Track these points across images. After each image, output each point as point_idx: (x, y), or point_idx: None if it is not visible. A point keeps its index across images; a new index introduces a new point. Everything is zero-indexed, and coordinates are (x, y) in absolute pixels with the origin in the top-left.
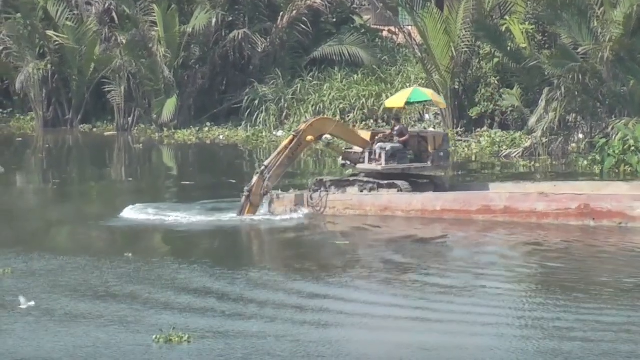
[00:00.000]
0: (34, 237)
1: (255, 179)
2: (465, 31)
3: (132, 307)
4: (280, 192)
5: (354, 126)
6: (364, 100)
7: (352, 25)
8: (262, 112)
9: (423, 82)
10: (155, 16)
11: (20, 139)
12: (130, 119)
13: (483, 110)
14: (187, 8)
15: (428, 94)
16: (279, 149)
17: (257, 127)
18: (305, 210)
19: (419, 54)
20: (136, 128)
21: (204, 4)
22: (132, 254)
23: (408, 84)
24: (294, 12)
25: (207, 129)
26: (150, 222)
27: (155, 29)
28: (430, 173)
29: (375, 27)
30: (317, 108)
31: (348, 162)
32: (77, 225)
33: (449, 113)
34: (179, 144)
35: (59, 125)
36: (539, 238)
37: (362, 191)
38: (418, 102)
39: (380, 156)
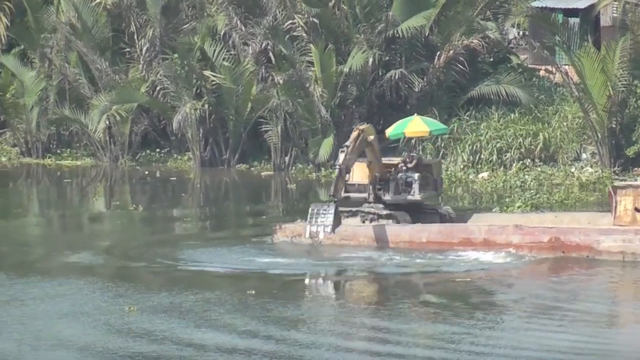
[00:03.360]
0: (163, 275)
1: (340, 156)
2: (623, 70)
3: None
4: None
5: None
6: (520, 139)
7: (509, 65)
8: (418, 151)
9: (580, 120)
10: (311, 56)
11: (174, 179)
12: (287, 159)
13: None
14: (343, 48)
15: (409, 127)
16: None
17: None
18: (305, 240)
19: (576, 93)
20: (293, 168)
21: (361, 44)
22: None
23: (565, 123)
24: (451, 51)
25: None
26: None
27: (312, 68)
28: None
29: (532, 66)
30: (474, 147)
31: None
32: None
33: (606, 152)
34: None
35: (215, 165)
36: None
37: (364, 222)
38: (440, 134)
39: (410, 186)
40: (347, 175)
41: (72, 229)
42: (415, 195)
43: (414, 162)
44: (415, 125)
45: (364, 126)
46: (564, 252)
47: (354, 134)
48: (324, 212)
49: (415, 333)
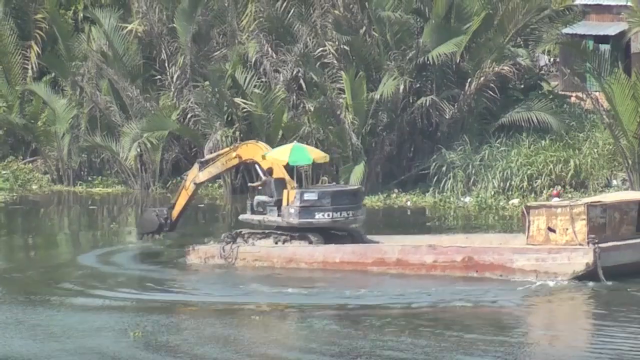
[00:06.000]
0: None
1: (194, 166)
2: None
3: None
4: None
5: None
6: (551, 166)
7: (539, 92)
8: (449, 178)
9: (610, 147)
10: (342, 83)
11: (202, 206)
12: None
13: None
14: (374, 75)
15: (310, 154)
16: (220, 152)
17: (444, 194)
18: (218, 262)
19: (607, 120)
20: None
21: (391, 71)
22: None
23: (596, 150)
24: (482, 78)
25: (394, 195)
26: None
27: (343, 96)
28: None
29: (563, 93)
30: (505, 174)
31: None
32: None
33: (637, 178)
34: (366, 210)
35: (247, 192)
36: None
37: (276, 243)
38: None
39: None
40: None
41: (79, 255)
42: (245, 215)
43: (257, 183)
44: (315, 152)
45: (240, 144)
46: (477, 271)
47: (225, 150)
48: None
49: None
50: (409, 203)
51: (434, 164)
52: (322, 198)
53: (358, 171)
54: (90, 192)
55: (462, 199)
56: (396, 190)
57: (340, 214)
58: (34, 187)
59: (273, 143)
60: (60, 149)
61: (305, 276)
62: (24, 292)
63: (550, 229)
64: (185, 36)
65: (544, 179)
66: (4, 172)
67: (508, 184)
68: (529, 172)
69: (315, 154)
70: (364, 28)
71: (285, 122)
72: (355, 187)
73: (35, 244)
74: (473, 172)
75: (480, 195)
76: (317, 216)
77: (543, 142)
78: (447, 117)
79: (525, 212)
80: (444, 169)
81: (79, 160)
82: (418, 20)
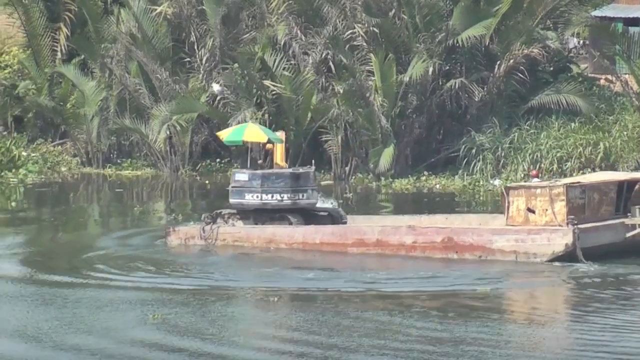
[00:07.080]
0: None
1: None
2: None
3: None
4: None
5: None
6: (581, 148)
7: (569, 74)
8: (479, 160)
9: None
10: (372, 66)
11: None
12: (347, 168)
13: None
14: (404, 57)
15: (245, 135)
16: None
17: (474, 176)
18: (199, 243)
19: (636, 102)
20: (353, 177)
21: (421, 54)
22: None
23: (625, 132)
24: (511, 61)
25: (424, 177)
26: None
27: (372, 78)
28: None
29: (592, 75)
30: (535, 156)
31: None
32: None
33: None
34: (395, 193)
35: None
36: None
37: (256, 223)
38: (234, 144)
39: None
40: None
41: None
42: None
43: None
44: (252, 132)
45: None
46: (457, 252)
47: None
48: None
49: None
50: (438, 186)
51: (463, 146)
52: (252, 180)
53: (387, 154)
54: (119, 174)
55: (491, 181)
56: (426, 173)
57: (272, 197)
58: (63, 169)
59: (302, 125)
60: (90, 132)
61: (315, 259)
62: (35, 272)
63: (530, 210)
64: (215, 18)
65: (574, 161)
66: (34, 154)
67: (538, 166)
68: (558, 154)
69: (250, 136)
70: (394, 10)
71: (314, 105)
72: (299, 170)
73: (59, 225)
74: (502, 154)
75: (510, 178)
76: (247, 197)
77: (572, 124)
78: (476, 99)
79: (504, 193)
80: (473, 151)
81: (108, 142)
82: (447, 2)
